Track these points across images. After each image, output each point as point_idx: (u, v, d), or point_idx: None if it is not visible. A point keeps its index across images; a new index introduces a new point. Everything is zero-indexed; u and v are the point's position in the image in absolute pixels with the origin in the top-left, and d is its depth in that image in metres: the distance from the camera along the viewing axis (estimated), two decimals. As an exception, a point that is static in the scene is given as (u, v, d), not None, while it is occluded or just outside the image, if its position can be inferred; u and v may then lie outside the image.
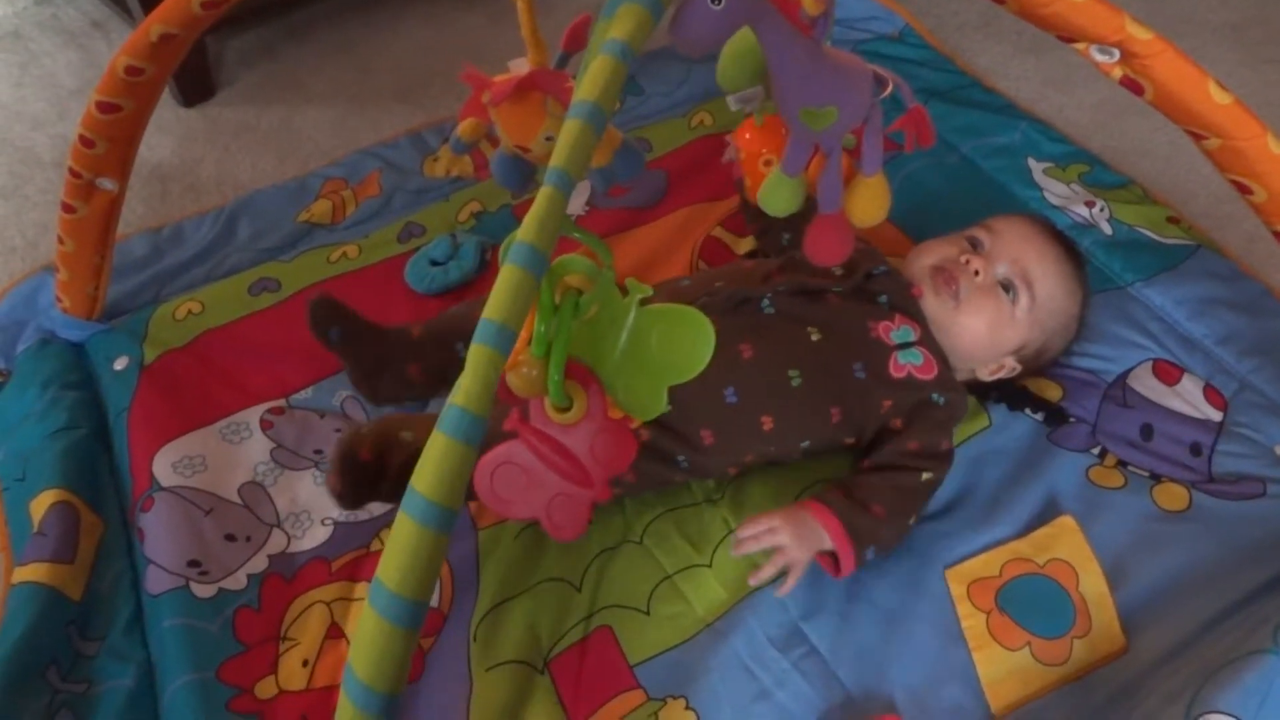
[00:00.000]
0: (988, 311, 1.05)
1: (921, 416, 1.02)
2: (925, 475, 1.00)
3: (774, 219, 1.18)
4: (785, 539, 0.95)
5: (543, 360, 0.72)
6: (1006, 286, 1.06)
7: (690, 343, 0.75)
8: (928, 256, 1.09)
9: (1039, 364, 1.12)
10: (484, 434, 0.56)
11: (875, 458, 1.02)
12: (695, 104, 1.54)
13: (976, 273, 1.06)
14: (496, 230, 1.34)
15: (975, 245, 1.09)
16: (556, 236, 0.60)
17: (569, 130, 0.61)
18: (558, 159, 0.60)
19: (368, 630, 0.54)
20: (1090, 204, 1.35)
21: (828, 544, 0.96)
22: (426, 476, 0.55)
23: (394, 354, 1.10)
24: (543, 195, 0.60)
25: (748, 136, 0.99)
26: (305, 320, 1.08)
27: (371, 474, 0.97)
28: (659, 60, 1.59)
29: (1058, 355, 1.14)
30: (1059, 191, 1.39)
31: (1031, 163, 1.43)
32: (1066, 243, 1.12)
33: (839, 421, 1.02)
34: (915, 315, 1.05)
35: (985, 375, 1.09)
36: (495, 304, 0.57)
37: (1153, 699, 0.89)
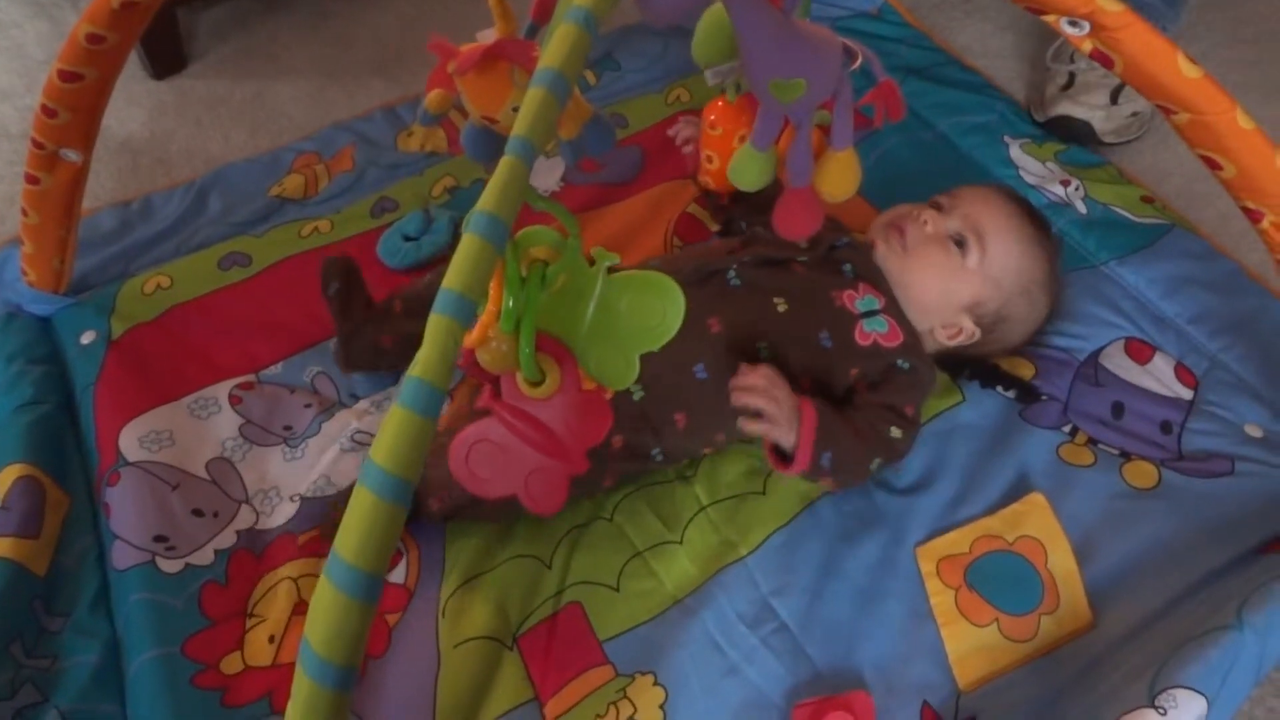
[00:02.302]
0: (935, 258, 1.06)
1: (887, 380, 1.02)
2: (894, 431, 1.00)
3: (737, 210, 1.19)
4: (775, 410, 0.93)
5: (512, 335, 0.72)
6: (959, 241, 1.06)
7: (660, 308, 0.74)
8: (885, 216, 1.11)
9: (1004, 336, 1.11)
10: (442, 405, 0.56)
11: (852, 405, 1.01)
12: (672, 80, 1.53)
13: (926, 223, 1.06)
14: (470, 205, 1.29)
15: (935, 207, 1.10)
16: (518, 206, 0.59)
17: (531, 99, 0.60)
18: (520, 127, 0.60)
19: (324, 603, 0.53)
20: (1065, 183, 1.35)
21: (793, 437, 0.94)
22: (384, 448, 0.54)
23: (371, 327, 1.11)
24: (503, 164, 0.59)
25: (712, 118, 0.99)
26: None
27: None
28: (636, 36, 1.58)
29: (1025, 333, 1.13)
30: (1035, 170, 1.39)
31: (1008, 140, 1.43)
32: (1029, 209, 1.12)
33: (809, 390, 1.02)
34: (879, 284, 1.05)
35: (944, 338, 1.08)
36: (454, 273, 0.56)
37: (1118, 674, 0.89)
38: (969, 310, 1.07)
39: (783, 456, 0.97)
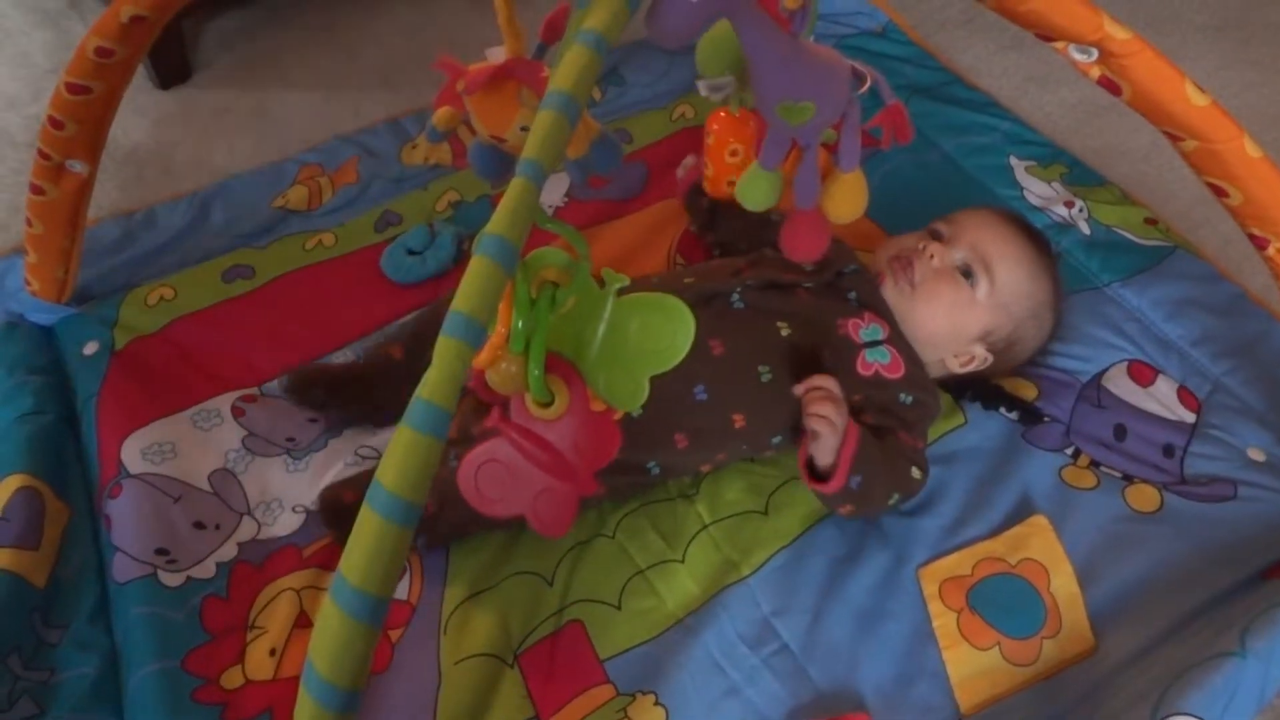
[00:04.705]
0: (945, 296, 1.05)
1: (890, 416, 1.02)
2: (915, 472, 1.00)
3: (726, 234, 1.20)
4: (838, 421, 0.94)
5: (522, 356, 0.72)
6: (966, 272, 1.06)
7: (669, 331, 0.74)
8: (890, 248, 1.10)
9: (1014, 357, 1.12)
10: (449, 427, 0.56)
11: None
12: (677, 96, 1.53)
13: (932, 256, 1.06)
14: (474, 220, 1.34)
15: (936, 236, 1.09)
16: (528, 228, 0.59)
17: (542, 121, 0.60)
18: (530, 150, 0.60)
19: (329, 625, 0.53)
20: (1070, 204, 1.36)
21: (834, 455, 0.95)
22: (391, 470, 0.54)
23: (384, 383, 1.10)
24: (514, 186, 0.59)
25: (715, 128, 0.99)
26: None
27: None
28: (641, 52, 1.58)
29: (1033, 350, 1.13)
30: (1040, 191, 1.39)
31: (1013, 161, 1.43)
32: (1030, 230, 1.12)
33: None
34: (884, 313, 1.05)
35: (956, 366, 1.09)
36: (463, 296, 0.56)
37: (1120, 699, 0.89)
38: (981, 340, 1.08)
39: (814, 473, 0.98)
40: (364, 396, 1.10)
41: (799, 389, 0.97)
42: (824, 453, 0.96)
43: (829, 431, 0.94)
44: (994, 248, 1.07)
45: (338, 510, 1.01)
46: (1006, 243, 1.08)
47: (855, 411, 1.02)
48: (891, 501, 1.01)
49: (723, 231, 1.23)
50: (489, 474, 0.75)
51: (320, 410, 1.11)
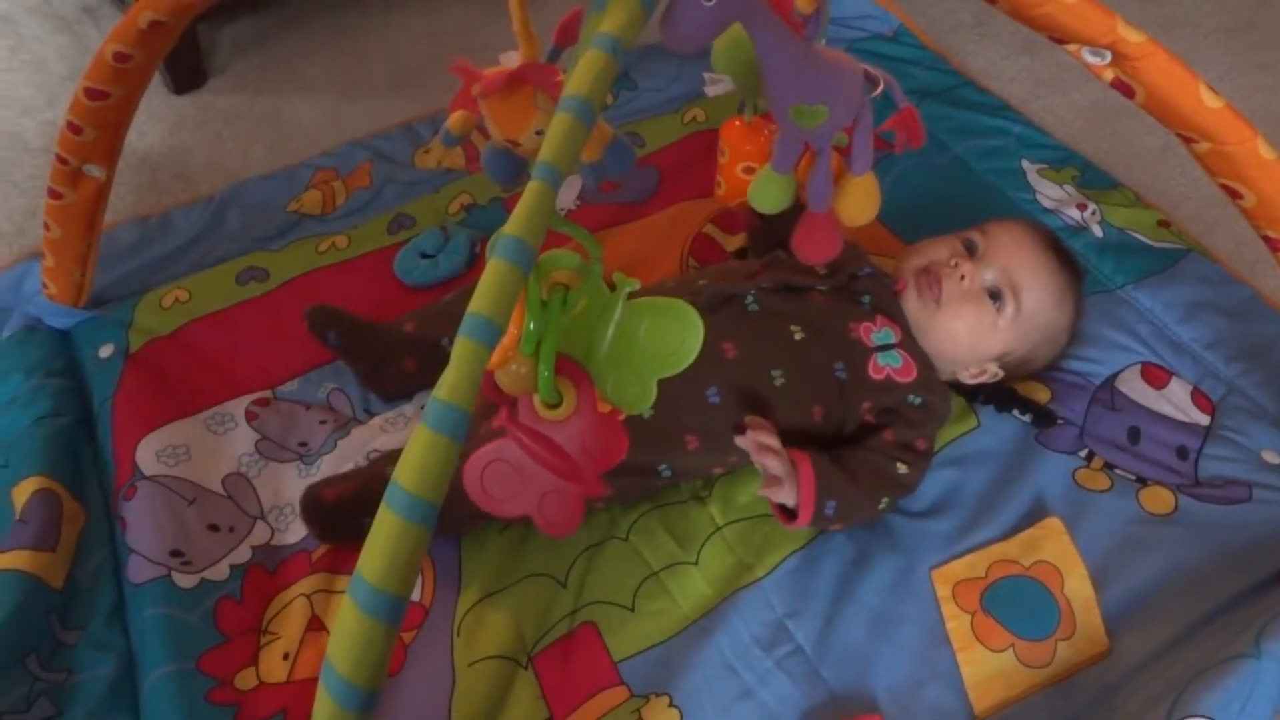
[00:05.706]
0: (969, 317, 1.04)
1: (895, 415, 1.02)
2: (901, 468, 1.00)
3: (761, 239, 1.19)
4: (785, 472, 0.95)
5: (531, 357, 0.72)
6: (994, 294, 1.05)
7: (679, 335, 0.75)
8: (919, 257, 1.08)
9: (1024, 371, 1.12)
10: (468, 428, 0.56)
11: (855, 443, 1.02)
12: (688, 100, 1.53)
13: (963, 277, 1.05)
14: (487, 223, 1.34)
15: (970, 248, 1.08)
16: (544, 231, 0.59)
17: (558, 125, 0.61)
18: (546, 154, 0.60)
19: (347, 624, 0.53)
20: (1082, 207, 1.35)
21: (795, 495, 0.95)
22: (409, 470, 0.54)
23: (390, 351, 1.13)
24: (531, 190, 0.59)
25: (727, 140, 0.99)
26: (301, 318, 1.12)
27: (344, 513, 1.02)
28: (653, 55, 1.59)
29: (1043, 367, 1.13)
30: (1052, 194, 1.39)
31: (1025, 164, 1.43)
32: (1063, 253, 1.10)
33: (821, 419, 1.02)
34: (897, 317, 1.05)
35: (966, 378, 1.08)
36: (481, 298, 0.57)
37: (1135, 702, 0.89)
38: (997, 359, 1.07)
39: (788, 512, 0.98)
40: (367, 348, 1.13)
41: (740, 441, 0.97)
42: (785, 499, 0.96)
43: (779, 491, 0.95)
44: (1026, 273, 1.05)
45: (319, 509, 1.02)
46: (1039, 269, 1.06)
47: (861, 419, 1.02)
48: (882, 505, 1.00)
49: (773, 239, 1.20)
50: (495, 474, 0.76)
51: (326, 345, 1.13)
